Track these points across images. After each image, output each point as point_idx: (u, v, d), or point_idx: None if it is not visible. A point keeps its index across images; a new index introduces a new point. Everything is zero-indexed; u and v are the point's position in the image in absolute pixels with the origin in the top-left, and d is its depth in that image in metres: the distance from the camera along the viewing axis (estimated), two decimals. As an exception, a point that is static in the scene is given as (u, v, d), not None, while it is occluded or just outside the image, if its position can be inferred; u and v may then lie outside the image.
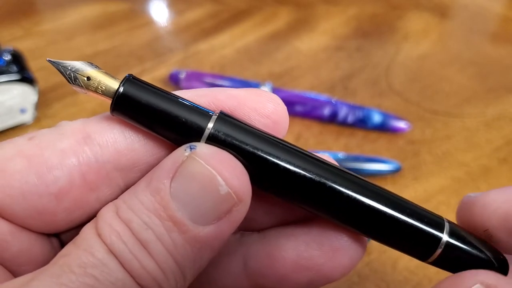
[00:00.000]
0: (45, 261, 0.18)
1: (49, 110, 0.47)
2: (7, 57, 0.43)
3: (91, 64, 0.17)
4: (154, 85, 0.17)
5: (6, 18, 0.61)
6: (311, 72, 0.55)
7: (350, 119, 0.47)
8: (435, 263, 0.18)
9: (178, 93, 0.18)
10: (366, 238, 0.19)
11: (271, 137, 0.17)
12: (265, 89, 0.48)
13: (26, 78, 0.43)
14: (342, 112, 0.47)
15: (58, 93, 0.49)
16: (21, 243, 0.17)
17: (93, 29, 0.60)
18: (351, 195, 0.17)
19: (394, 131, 0.47)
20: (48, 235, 0.19)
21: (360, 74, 0.55)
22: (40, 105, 0.46)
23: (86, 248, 0.15)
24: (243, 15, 0.64)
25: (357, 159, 0.42)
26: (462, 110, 0.51)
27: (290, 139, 0.46)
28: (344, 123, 0.47)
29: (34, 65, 0.46)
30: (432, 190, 0.41)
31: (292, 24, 0.63)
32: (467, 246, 0.18)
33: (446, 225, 0.18)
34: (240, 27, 0.62)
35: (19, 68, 0.43)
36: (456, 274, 0.17)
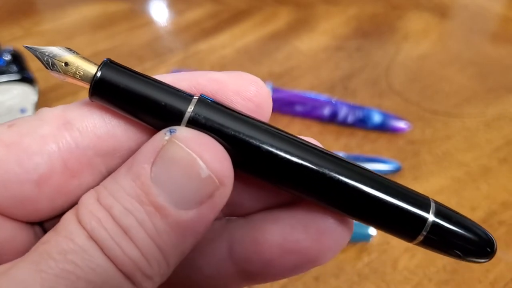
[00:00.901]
0: (28, 250, 0.18)
1: (49, 110, 0.47)
2: (7, 57, 0.43)
3: (69, 49, 0.17)
4: (133, 69, 0.17)
5: (6, 18, 0.61)
6: (311, 72, 0.55)
7: (350, 119, 0.47)
8: (422, 244, 0.18)
9: (158, 77, 0.17)
10: (352, 220, 0.18)
11: (253, 120, 0.17)
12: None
13: (26, 78, 0.43)
14: (342, 112, 0.47)
15: (58, 93, 0.49)
16: (3, 232, 0.17)
17: (93, 29, 0.60)
18: (336, 177, 0.17)
19: (394, 131, 0.47)
20: (31, 223, 0.18)
21: (360, 74, 0.55)
22: (40, 105, 0.46)
23: (66, 234, 0.15)
24: (243, 15, 0.64)
25: (357, 159, 0.42)
26: (462, 110, 0.51)
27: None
28: (344, 123, 0.47)
29: (34, 65, 0.46)
30: (432, 190, 0.41)
31: (292, 24, 0.63)
32: (454, 226, 0.17)
33: (432, 205, 0.17)
34: (240, 27, 0.62)
35: (19, 68, 0.43)
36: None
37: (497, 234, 0.38)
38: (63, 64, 0.17)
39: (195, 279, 0.20)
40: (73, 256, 0.14)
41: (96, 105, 0.17)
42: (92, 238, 0.15)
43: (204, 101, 0.16)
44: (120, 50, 0.56)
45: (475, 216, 0.39)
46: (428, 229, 0.17)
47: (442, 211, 0.17)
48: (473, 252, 0.17)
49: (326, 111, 0.47)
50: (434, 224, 0.17)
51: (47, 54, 0.17)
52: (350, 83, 0.53)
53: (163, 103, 0.16)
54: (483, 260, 0.18)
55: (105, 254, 0.15)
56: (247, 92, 0.18)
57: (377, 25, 0.64)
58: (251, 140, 0.16)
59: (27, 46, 0.17)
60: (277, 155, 0.16)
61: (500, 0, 0.72)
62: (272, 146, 0.16)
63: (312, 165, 0.16)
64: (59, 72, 0.17)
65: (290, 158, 0.16)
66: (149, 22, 0.63)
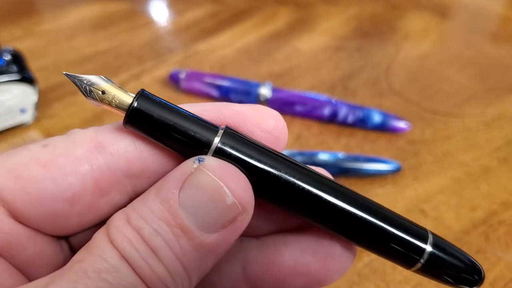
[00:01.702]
0: (56, 263, 0.19)
1: (49, 110, 0.47)
2: (7, 57, 0.43)
3: (106, 78, 0.18)
4: (165, 100, 0.18)
5: (6, 18, 0.61)
6: (311, 72, 0.55)
7: (350, 119, 0.47)
8: (419, 271, 0.19)
9: (185, 106, 0.19)
10: (357, 246, 0.20)
11: (273, 152, 0.18)
12: (265, 88, 0.48)
13: (26, 78, 0.43)
14: (342, 112, 0.47)
15: (58, 93, 0.49)
16: (35, 246, 0.18)
17: (93, 29, 0.60)
18: (344, 207, 0.18)
19: (394, 131, 0.47)
20: (59, 238, 0.20)
21: (360, 74, 0.55)
22: (40, 105, 0.46)
23: (99, 254, 0.16)
24: (243, 15, 0.64)
25: (357, 159, 0.42)
26: (462, 110, 0.51)
27: (290, 139, 0.46)
28: (344, 123, 0.47)
29: (34, 65, 0.46)
30: (432, 190, 0.41)
31: (292, 24, 0.63)
32: (448, 257, 0.19)
33: (430, 237, 0.19)
34: (240, 27, 0.62)
35: (19, 68, 0.43)
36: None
37: (497, 234, 0.38)
38: (100, 92, 0.18)
39: None
40: (107, 275, 0.15)
41: (126, 130, 0.18)
42: (123, 257, 0.16)
43: (229, 133, 0.18)
44: (120, 50, 0.56)
45: (475, 216, 0.39)
46: (425, 258, 0.19)
47: (439, 243, 0.19)
48: (463, 280, 0.19)
49: (326, 111, 0.47)
50: (431, 254, 0.19)
51: (85, 82, 0.18)
52: (350, 83, 0.53)
53: (192, 133, 0.18)
54: (472, 286, 0.20)
55: (136, 273, 0.16)
56: (266, 125, 0.19)
57: (377, 25, 0.64)
58: (269, 170, 0.18)
59: (67, 74, 0.18)
60: (292, 185, 0.18)
61: (500, 0, 0.72)
62: (288, 176, 0.18)
63: (323, 195, 0.18)
64: (96, 99, 0.18)
65: (303, 188, 0.18)
66: (149, 22, 0.63)
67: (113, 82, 0.18)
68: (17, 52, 0.44)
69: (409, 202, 0.40)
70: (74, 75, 0.18)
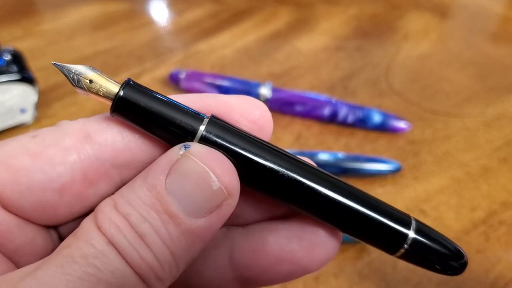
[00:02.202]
0: (45, 252, 0.19)
1: (49, 110, 0.47)
2: (7, 57, 0.43)
3: (93, 68, 0.19)
4: (151, 89, 0.18)
5: (6, 18, 0.61)
6: (311, 72, 0.55)
7: (350, 119, 0.47)
8: (403, 257, 0.19)
9: (172, 97, 0.19)
10: (342, 233, 0.20)
11: (257, 139, 0.19)
12: (265, 88, 0.48)
13: (26, 78, 0.43)
14: (342, 112, 0.47)
15: (58, 93, 0.49)
16: (24, 235, 0.19)
17: (93, 29, 0.60)
18: (327, 194, 0.19)
19: (394, 131, 0.47)
20: (48, 227, 0.20)
21: (360, 74, 0.55)
22: (40, 105, 0.46)
23: (87, 239, 0.16)
24: (243, 15, 0.64)
25: (357, 159, 0.42)
26: (462, 110, 0.51)
27: (290, 139, 0.46)
28: (344, 123, 0.47)
29: (34, 65, 0.46)
30: (432, 190, 0.41)
31: (292, 24, 0.63)
32: (432, 243, 0.19)
33: (413, 223, 0.19)
34: (240, 27, 0.62)
35: (19, 68, 0.43)
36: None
37: (497, 234, 0.38)
38: (88, 81, 0.18)
39: (196, 282, 0.21)
40: (94, 260, 0.16)
41: (114, 120, 0.19)
42: (111, 243, 0.16)
43: (215, 121, 0.18)
44: (120, 50, 0.56)
45: (475, 216, 0.39)
46: (409, 244, 0.19)
47: (422, 229, 0.19)
48: (447, 266, 0.20)
49: (326, 111, 0.47)
50: (414, 239, 0.19)
51: (73, 71, 0.18)
52: (350, 83, 0.53)
53: (178, 121, 0.18)
54: (456, 273, 0.20)
55: (123, 258, 0.16)
56: (251, 115, 0.20)
57: (377, 25, 0.64)
58: (254, 157, 0.18)
59: (55, 63, 0.18)
60: (276, 171, 0.18)
61: (500, 0, 0.72)
62: (272, 163, 0.18)
63: (306, 182, 0.19)
64: (84, 88, 0.18)
65: (287, 175, 0.18)
66: (149, 22, 0.63)
67: (100, 72, 0.19)
68: (17, 52, 0.44)
69: (409, 202, 0.40)
70: (62, 65, 0.18)
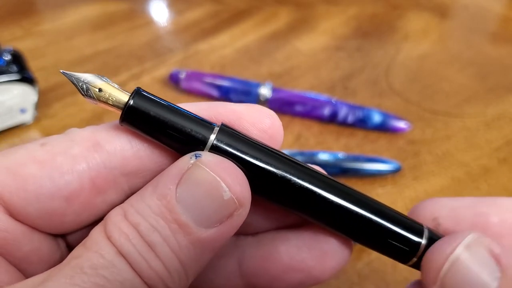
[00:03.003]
0: (53, 260, 0.19)
1: (49, 110, 0.47)
2: (7, 57, 0.43)
3: (102, 77, 0.19)
4: (161, 98, 0.18)
5: (6, 18, 0.61)
6: (311, 72, 0.55)
7: (350, 119, 0.47)
8: (415, 266, 0.19)
9: (181, 105, 0.19)
10: (353, 242, 0.20)
11: (268, 148, 0.19)
12: (265, 88, 0.48)
13: (26, 78, 0.43)
14: (342, 112, 0.47)
15: (58, 93, 0.49)
16: (32, 243, 0.18)
17: (93, 29, 0.60)
18: (339, 203, 0.18)
19: (394, 131, 0.47)
20: (55, 235, 0.20)
21: (360, 74, 0.55)
22: (40, 105, 0.46)
23: (96, 250, 0.16)
24: (243, 15, 0.64)
25: (357, 159, 0.42)
26: (462, 110, 0.51)
27: (290, 139, 0.46)
28: (344, 123, 0.47)
29: (34, 65, 0.46)
30: (432, 190, 0.41)
31: (292, 24, 0.63)
32: None
33: (426, 232, 0.19)
34: (240, 27, 0.62)
35: (19, 68, 0.43)
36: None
37: (497, 234, 0.38)
38: (97, 90, 0.18)
39: None
40: (104, 271, 0.15)
41: (123, 128, 0.19)
42: (120, 253, 0.16)
43: (225, 130, 0.18)
44: (120, 50, 0.56)
45: (475, 216, 0.39)
46: (422, 253, 0.19)
47: (434, 237, 0.19)
48: None
49: (326, 111, 0.47)
50: (427, 248, 0.19)
51: (82, 80, 0.18)
52: (350, 83, 0.53)
53: (188, 130, 0.18)
54: None
55: (133, 268, 0.16)
56: (262, 124, 0.19)
57: (377, 25, 0.64)
58: (265, 166, 0.18)
59: (64, 72, 0.18)
60: (288, 181, 0.18)
61: (500, 0, 0.72)
62: (284, 172, 0.18)
63: (318, 191, 0.18)
64: (93, 97, 0.18)
65: (299, 184, 0.18)
66: (149, 22, 0.63)
67: (109, 81, 0.18)
68: (17, 52, 0.44)
69: (409, 202, 0.40)
70: (71, 74, 0.18)
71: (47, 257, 0.19)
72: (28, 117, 0.45)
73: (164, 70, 0.53)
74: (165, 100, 0.18)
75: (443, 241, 0.18)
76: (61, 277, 0.15)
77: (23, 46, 0.49)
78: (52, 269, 0.16)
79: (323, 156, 0.42)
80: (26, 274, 0.19)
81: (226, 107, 0.19)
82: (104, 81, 0.18)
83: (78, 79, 0.18)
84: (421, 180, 0.42)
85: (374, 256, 0.36)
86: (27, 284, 0.16)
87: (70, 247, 0.20)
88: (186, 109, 0.18)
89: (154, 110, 0.18)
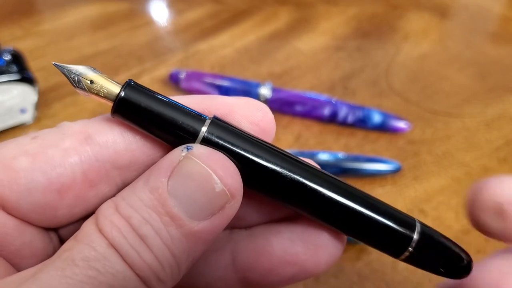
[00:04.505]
0: (45, 254, 0.19)
1: (49, 110, 0.47)
2: (7, 57, 0.43)
3: (94, 69, 0.18)
4: (153, 90, 0.18)
5: (6, 18, 0.61)
6: (311, 72, 0.55)
7: (350, 119, 0.47)
8: (407, 260, 0.19)
9: (173, 98, 0.19)
10: (345, 236, 0.20)
11: (260, 141, 0.18)
12: (265, 89, 0.48)
13: (26, 78, 0.43)
14: (342, 112, 0.47)
15: (58, 93, 0.49)
16: (24, 237, 0.18)
17: (93, 29, 0.60)
18: (330, 196, 0.18)
19: (394, 131, 0.47)
20: (48, 229, 0.20)
21: (360, 74, 0.55)
22: (40, 105, 0.46)
23: (88, 242, 0.16)
24: (243, 15, 0.64)
25: (357, 159, 0.42)
26: (462, 110, 0.51)
27: (290, 139, 0.46)
28: (344, 123, 0.47)
29: (34, 65, 0.46)
30: (432, 190, 0.41)
31: (292, 24, 0.63)
32: (436, 246, 0.19)
33: (418, 226, 0.19)
34: (240, 27, 0.62)
35: (19, 68, 0.43)
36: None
37: (497, 234, 0.38)
38: (89, 82, 0.18)
39: (199, 284, 0.21)
40: (95, 263, 0.15)
41: (115, 121, 0.19)
42: (112, 246, 0.16)
43: (217, 122, 0.18)
44: (120, 50, 0.56)
45: (475, 216, 0.39)
46: (413, 247, 0.19)
47: (427, 232, 0.19)
48: (452, 269, 0.19)
49: (326, 111, 0.47)
50: (419, 243, 0.19)
51: (74, 72, 0.18)
52: (350, 83, 0.53)
53: (180, 122, 0.18)
54: (461, 276, 0.19)
55: (124, 261, 0.16)
56: (254, 117, 0.19)
57: (377, 25, 0.64)
58: (257, 159, 0.18)
59: (56, 64, 0.18)
60: (279, 173, 0.18)
61: (500, 0, 0.72)
62: (275, 165, 0.18)
63: (310, 184, 0.18)
64: (84, 89, 0.18)
65: (290, 177, 0.18)
66: (149, 22, 0.63)
67: (101, 73, 0.18)
68: (17, 52, 0.44)
69: (409, 202, 0.40)
70: (63, 66, 0.18)
71: (40, 251, 0.19)
72: (28, 117, 0.45)
73: (164, 70, 0.53)
74: (157, 92, 0.18)
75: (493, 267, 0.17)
76: (52, 269, 0.15)
77: (23, 46, 0.49)
78: (44, 262, 0.16)
79: (323, 156, 0.42)
80: (18, 268, 0.18)
81: (218, 100, 0.19)
82: (96, 73, 0.18)
83: (69, 71, 0.18)
84: (421, 180, 0.42)
85: (374, 256, 0.36)
86: (19, 277, 0.16)
87: (62, 241, 0.20)
88: (178, 101, 0.18)
89: (145, 102, 0.18)
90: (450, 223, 0.38)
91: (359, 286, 0.34)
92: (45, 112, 0.47)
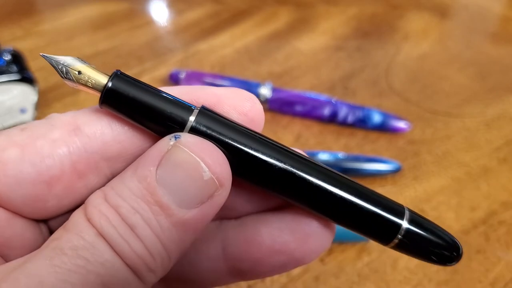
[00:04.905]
0: (35, 246, 0.19)
1: (49, 110, 0.47)
2: (7, 57, 0.43)
3: (82, 60, 0.19)
4: (140, 80, 0.18)
5: (6, 18, 0.61)
6: (311, 72, 0.55)
7: (350, 119, 0.47)
8: (396, 248, 0.19)
9: (162, 89, 0.19)
10: (335, 224, 0.20)
11: (248, 130, 0.18)
12: (265, 88, 0.48)
13: (26, 78, 0.43)
14: (342, 112, 0.47)
15: (58, 93, 0.49)
16: (14, 228, 0.18)
17: (93, 29, 0.60)
18: (319, 184, 0.18)
19: (394, 131, 0.47)
20: (38, 221, 0.20)
21: (360, 74, 0.55)
22: (40, 105, 0.46)
23: (76, 232, 0.16)
24: (243, 15, 0.64)
25: (357, 159, 0.42)
26: (462, 110, 0.51)
27: (290, 139, 0.46)
28: (344, 123, 0.47)
29: (34, 65, 0.46)
30: (432, 190, 0.41)
31: (292, 24, 0.63)
32: (426, 233, 0.19)
33: (407, 213, 0.19)
34: (240, 27, 0.62)
35: (19, 68, 0.43)
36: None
37: (497, 234, 0.38)
38: (76, 73, 0.18)
39: (189, 274, 0.21)
40: (84, 252, 0.15)
41: (103, 112, 0.19)
42: (101, 235, 0.16)
43: (205, 112, 0.18)
44: (120, 50, 0.56)
45: (475, 216, 0.39)
46: (402, 234, 0.19)
47: (416, 219, 0.19)
48: (441, 256, 0.19)
49: (326, 111, 0.47)
50: (408, 230, 0.19)
51: (62, 62, 0.18)
52: (350, 83, 0.53)
53: (168, 112, 0.18)
54: (450, 263, 0.19)
55: (113, 250, 0.16)
56: (242, 108, 0.19)
57: (377, 25, 0.64)
58: (245, 148, 0.18)
59: (43, 55, 0.18)
60: (267, 162, 0.18)
61: (500, 0, 0.72)
62: (263, 154, 0.18)
63: (298, 172, 0.18)
64: (72, 80, 0.18)
65: (279, 166, 0.18)
66: (149, 22, 0.63)
67: (89, 64, 0.18)
68: (17, 52, 0.44)
69: (409, 202, 0.40)
70: (50, 56, 0.18)
71: (30, 243, 0.19)
72: (28, 117, 0.45)
73: (164, 70, 0.53)
74: (145, 83, 0.18)
75: None
76: (40, 258, 0.15)
77: (23, 46, 0.49)
78: (33, 252, 0.16)
79: (323, 156, 0.42)
80: (7, 259, 0.18)
81: (207, 90, 0.19)
82: (84, 63, 0.18)
83: (57, 62, 0.18)
84: (421, 180, 0.42)
85: (374, 256, 0.36)
86: (7, 266, 0.16)
87: (52, 233, 0.20)
88: (167, 92, 0.18)
89: (133, 92, 0.18)
90: (450, 223, 0.38)
91: (359, 286, 0.34)
92: (45, 112, 0.47)
